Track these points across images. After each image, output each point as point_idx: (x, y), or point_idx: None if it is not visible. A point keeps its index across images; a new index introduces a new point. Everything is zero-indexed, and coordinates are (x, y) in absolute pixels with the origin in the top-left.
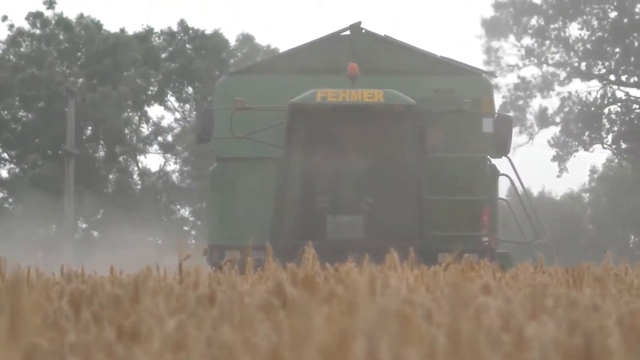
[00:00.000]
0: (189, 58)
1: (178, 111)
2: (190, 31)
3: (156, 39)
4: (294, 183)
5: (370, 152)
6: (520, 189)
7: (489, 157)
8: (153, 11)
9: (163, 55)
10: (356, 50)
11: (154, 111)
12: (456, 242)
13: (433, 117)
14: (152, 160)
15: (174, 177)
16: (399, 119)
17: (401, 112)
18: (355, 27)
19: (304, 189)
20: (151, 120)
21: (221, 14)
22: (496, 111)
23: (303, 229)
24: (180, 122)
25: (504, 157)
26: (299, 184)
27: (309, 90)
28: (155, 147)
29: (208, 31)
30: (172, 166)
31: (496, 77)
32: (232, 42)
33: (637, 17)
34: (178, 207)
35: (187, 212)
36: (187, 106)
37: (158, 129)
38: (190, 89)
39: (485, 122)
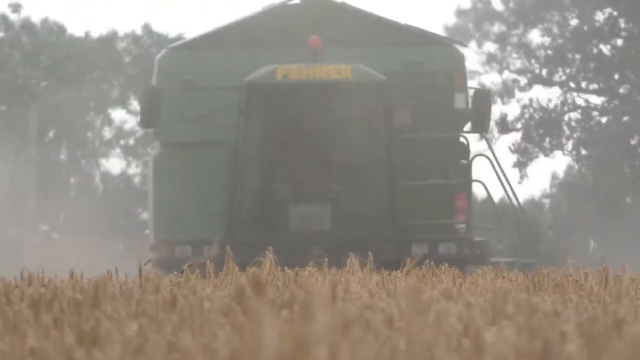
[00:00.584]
0: (153, 62)
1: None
2: (155, 35)
3: (120, 42)
4: (251, 169)
5: (336, 133)
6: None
7: (464, 136)
8: (118, 15)
9: (127, 59)
10: (313, 19)
11: (117, 115)
12: (430, 231)
13: (400, 93)
14: (114, 164)
15: (136, 180)
16: (367, 97)
17: (370, 90)
18: None
19: (262, 176)
20: (114, 124)
21: (186, 18)
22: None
23: (262, 220)
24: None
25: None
26: (256, 170)
27: (267, 67)
28: (118, 150)
29: (172, 35)
30: (134, 169)
31: (466, 46)
32: None
33: (597, 24)
34: (140, 210)
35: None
36: None
37: (120, 133)
38: None
39: (458, 97)
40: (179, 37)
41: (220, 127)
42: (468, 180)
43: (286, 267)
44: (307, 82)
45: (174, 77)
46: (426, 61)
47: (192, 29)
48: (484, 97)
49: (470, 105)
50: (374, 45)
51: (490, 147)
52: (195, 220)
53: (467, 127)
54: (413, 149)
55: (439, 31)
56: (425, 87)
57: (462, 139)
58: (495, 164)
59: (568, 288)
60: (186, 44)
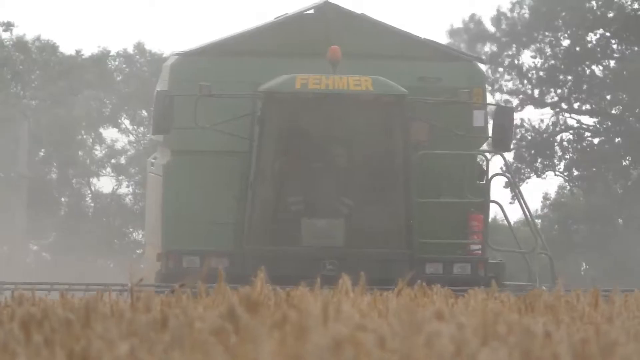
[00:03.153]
0: (144, 81)
1: (132, 134)
2: (147, 54)
3: (112, 61)
4: (264, 181)
5: (353, 147)
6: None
7: (483, 154)
8: (110, 33)
9: (118, 78)
10: (330, 30)
11: (108, 133)
12: (445, 251)
13: (418, 108)
14: (105, 183)
15: (127, 200)
16: (387, 111)
17: (391, 103)
18: (328, 4)
19: (274, 188)
20: (105, 143)
21: (178, 36)
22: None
23: (273, 233)
24: (134, 145)
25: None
26: (269, 182)
27: (285, 75)
28: (109, 169)
29: (165, 54)
30: (124, 189)
31: (486, 63)
32: None
33: (589, 45)
34: (131, 230)
35: (139, 236)
36: (142, 129)
37: (112, 152)
38: (144, 112)
39: (477, 114)
40: (171, 56)
41: (234, 136)
42: (485, 200)
43: (278, 287)
44: (327, 92)
45: (187, 84)
46: (445, 77)
47: (186, 47)
48: (506, 115)
49: (490, 123)
50: (392, 58)
51: (508, 167)
52: (204, 230)
53: (485, 146)
54: (429, 166)
55: None
56: (443, 104)
57: (480, 158)
58: (513, 184)
59: (560, 309)
60: (199, 51)
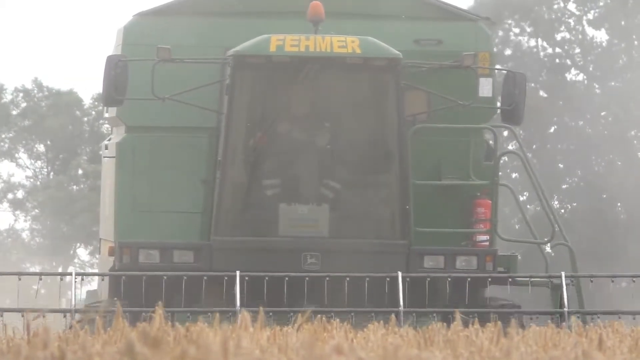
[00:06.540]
0: (42, 115)
1: (29, 168)
2: (45, 89)
3: (9, 95)
4: (235, 161)
5: (339, 120)
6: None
7: (491, 129)
8: (5, 69)
9: (15, 113)
10: None
11: (5, 167)
12: (446, 242)
13: (414, 75)
14: (2, 218)
15: (24, 235)
16: (378, 77)
17: (382, 68)
18: None
19: (247, 169)
20: (1, 177)
21: (75, 74)
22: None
23: (247, 223)
24: (31, 179)
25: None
26: (242, 162)
27: (259, 37)
28: (5, 204)
29: (63, 89)
30: (22, 224)
31: (494, 23)
32: (87, 100)
33: None
34: (28, 265)
35: (36, 271)
36: (39, 163)
37: (8, 186)
38: (42, 146)
39: (483, 83)
40: (69, 92)
41: (199, 109)
42: (494, 183)
43: (177, 322)
44: (307, 55)
45: (144, 48)
46: (445, 39)
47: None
48: (517, 82)
49: (495, 92)
50: (384, 18)
51: (520, 144)
52: (165, 220)
53: (493, 119)
54: (428, 143)
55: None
56: (443, 69)
57: (487, 133)
58: (526, 163)
59: (459, 344)
60: (159, 10)
